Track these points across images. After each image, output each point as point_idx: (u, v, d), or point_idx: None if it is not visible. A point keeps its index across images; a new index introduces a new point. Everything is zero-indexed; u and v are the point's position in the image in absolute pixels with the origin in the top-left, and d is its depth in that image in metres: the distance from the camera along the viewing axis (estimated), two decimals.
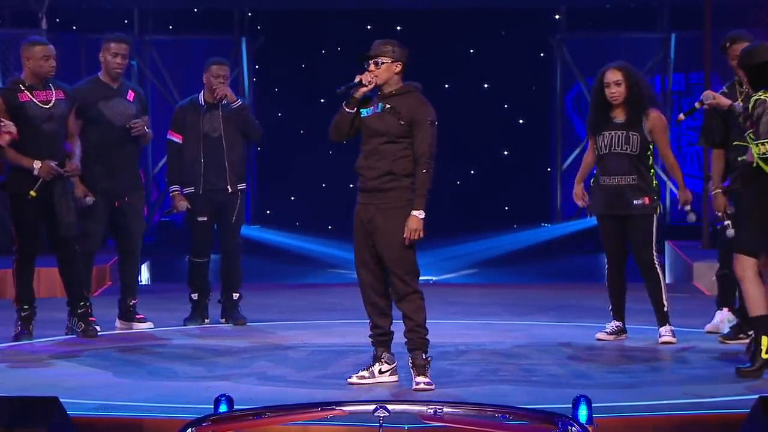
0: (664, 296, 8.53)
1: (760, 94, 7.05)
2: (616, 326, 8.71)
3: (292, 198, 19.51)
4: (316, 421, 5.39)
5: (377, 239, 6.90)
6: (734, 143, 8.08)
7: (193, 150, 9.52)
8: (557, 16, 18.70)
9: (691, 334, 8.81)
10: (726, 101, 7.99)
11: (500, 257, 17.97)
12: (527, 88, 19.14)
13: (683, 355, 8.09)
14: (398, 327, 7.01)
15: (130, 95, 9.43)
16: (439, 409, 4.66)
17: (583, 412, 4.75)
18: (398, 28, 18.99)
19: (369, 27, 18.58)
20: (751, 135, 7.08)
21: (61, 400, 5.25)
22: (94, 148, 9.16)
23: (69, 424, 5.31)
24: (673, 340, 8.45)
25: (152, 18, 18.74)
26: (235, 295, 9.67)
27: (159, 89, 18.44)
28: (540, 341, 8.66)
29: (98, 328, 8.97)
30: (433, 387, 6.80)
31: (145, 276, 14.77)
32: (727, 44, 8.41)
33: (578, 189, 8.85)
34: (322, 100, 17.94)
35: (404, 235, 6.80)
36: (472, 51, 19.24)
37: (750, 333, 7.76)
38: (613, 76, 8.52)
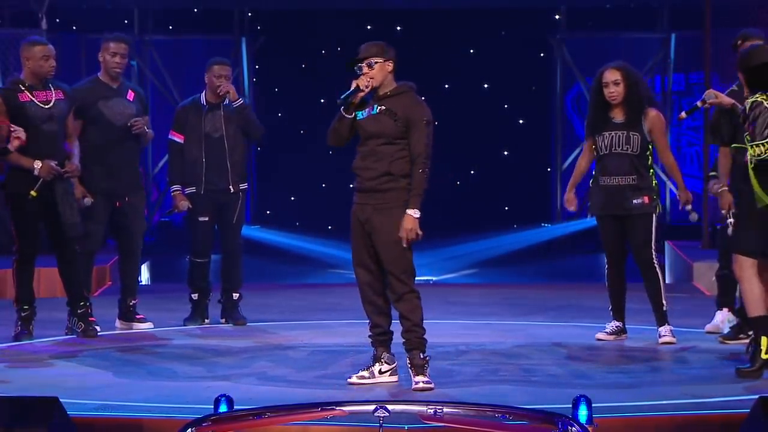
0: (663, 296, 8.52)
1: (758, 96, 7.05)
2: (616, 326, 8.70)
3: (292, 198, 19.52)
4: (316, 421, 5.39)
5: (375, 239, 6.91)
6: (732, 145, 8.06)
7: (195, 150, 9.52)
8: (557, 16, 18.70)
9: (691, 334, 8.81)
10: (728, 100, 7.97)
11: (500, 257, 17.98)
12: (527, 88, 19.15)
13: (683, 355, 8.08)
14: (397, 327, 7.01)
15: (130, 95, 9.44)
16: (439, 409, 4.66)
17: (583, 412, 4.76)
18: (398, 28, 19.01)
19: (369, 27, 18.59)
20: (748, 137, 7.08)
21: (61, 400, 5.25)
22: (95, 148, 9.17)
23: (69, 424, 5.31)
24: (673, 340, 8.45)
25: (152, 18, 18.75)
26: (236, 295, 9.67)
27: (159, 89, 18.45)
28: (540, 341, 8.66)
29: (98, 328, 8.97)
30: (432, 386, 6.80)
31: (145, 276, 14.77)
32: (739, 42, 8.38)
33: (570, 195, 8.86)
34: (322, 100, 17.94)
35: (400, 235, 6.80)
36: (472, 51, 19.25)
37: (750, 333, 7.76)
38: (611, 75, 8.52)
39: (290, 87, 19.09)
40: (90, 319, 8.92)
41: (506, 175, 19.13)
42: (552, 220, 18.95)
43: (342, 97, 6.93)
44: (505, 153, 19.43)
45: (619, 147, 8.51)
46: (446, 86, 19.11)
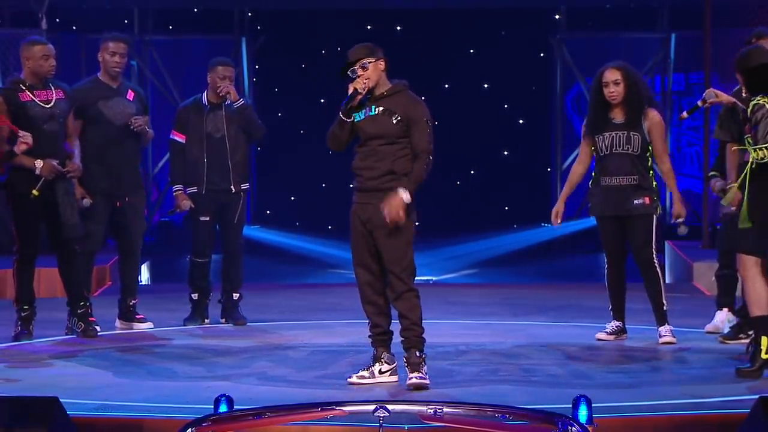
0: (663, 296, 8.52)
1: (759, 98, 7.04)
2: (616, 326, 8.70)
3: (292, 198, 19.52)
4: (316, 421, 5.39)
5: (376, 237, 6.91)
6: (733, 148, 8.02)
7: (197, 150, 9.52)
8: (557, 16, 18.71)
9: (691, 334, 8.81)
10: (728, 98, 7.96)
11: (500, 257, 17.98)
12: (527, 88, 19.15)
13: (683, 355, 8.08)
14: (397, 327, 7.01)
15: (130, 95, 9.44)
16: (439, 409, 4.65)
17: (583, 412, 4.75)
18: (398, 28, 19.01)
19: (369, 27, 18.60)
20: (749, 139, 7.08)
21: (61, 400, 5.24)
22: (95, 148, 9.17)
23: (69, 424, 5.31)
24: (673, 340, 8.44)
25: (152, 18, 18.75)
26: (236, 295, 9.67)
27: (159, 89, 18.45)
28: (540, 341, 8.65)
29: (98, 328, 8.97)
30: (427, 382, 6.80)
31: (145, 276, 14.78)
32: (753, 39, 8.33)
33: (561, 206, 8.80)
34: (322, 100, 17.95)
35: (385, 212, 6.75)
36: (472, 51, 19.25)
37: (750, 333, 7.76)
38: (611, 75, 8.51)
39: (290, 87, 19.09)
40: (90, 319, 8.92)
41: (506, 175, 19.14)
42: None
43: (343, 104, 6.94)
44: (505, 153, 19.43)
45: (619, 147, 8.50)
46: (446, 86, 19.11)
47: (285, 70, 19.10)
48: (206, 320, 9.70)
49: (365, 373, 6.98)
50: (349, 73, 6.94)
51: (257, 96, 18.79)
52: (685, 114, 8.48)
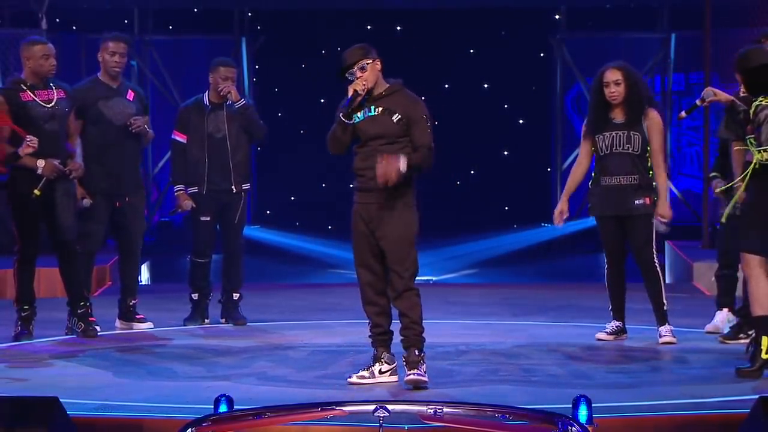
0: (663, 296, 8.52)
1: (761, 99, 7.03)
2: (616, 326, 8.70)
3: (292, 198, 19.52)
4: (316, 421, 5.39)
5: (380, 236, 6.91)
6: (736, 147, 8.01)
7: (198, 150, 9.53)
8: (557, 16, 18.70)
9: (691, 334, 8.81)
10: (726, 97, 7.93)
11: (500, 257, 17.97)
12: (527, 88, 19.15)
13: (683, 355, 8.08)
14: (397, 327, 7.00)
15: (130, 95, 9.44)
16: (439, 409, 4.66)
17: (583, 412, 4.75)
18: (398, 28, 19.01)
19: (369, 27, 18.59)
20: (752, 140, 7.07)
21: (61, 400, 5.24)
22: (95, 148, 9.17)
23: (69, 424, 5.31)
24: (673, 340, 8.44)
25: (152, 18, 18.74)
26: (236, 295, 9.67)
27: (159, 89, 18.44)
28: (540, 341, 8.65)
29: (98, 328, 8.97)
30: (425, 379, 6.80)
31: (145, 276, 14.78)
32: (762, 40, 8.34)
33: (564, 205, 8.76)
34: (322, 100, 17.94)
35: (380, 169, 6.73)
36: (472, 51, 19.25)
37: (750, 333, 7.76)
38: (612, 75, 8.51)
39: (290, 87, 19.09)
40: (90, 319, 8.92)
41: (506, 175, 19.13)
42: (552, 220, 18.91)
43: (344, 107, 6.94)
44: (505, 153, 19.43)
45: (620, 146, 8.50)
46: (446, 86, 19.11)
47: (285, 70, 19.10)
48: (206, 320, 9.70)
49: (365, 373, 6.98)
50: (347, 75, 6.95)
51: (257, 96, 18.78)
52: (683, 113, 8.45)
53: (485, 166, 19.32)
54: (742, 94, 7.71)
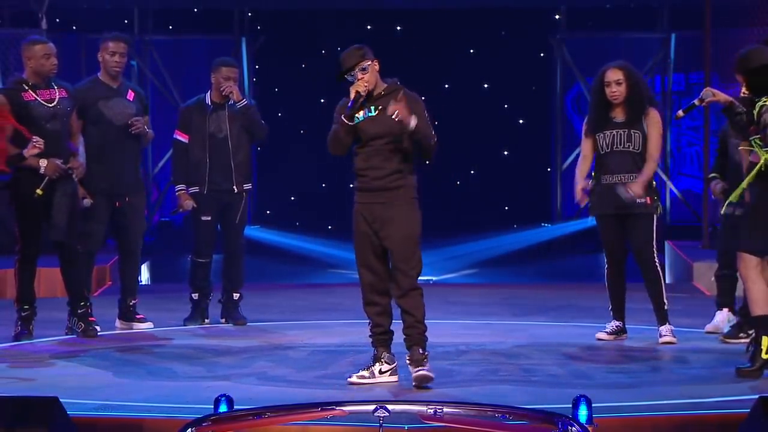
0: (664, 296, 8.53)
1: (765, 100, 7.03)
2: (616, 326, 8.70)
3: (292, 198, 19.52)
4: (316, 421, 5.39)
5: (384, 236, 6.91)
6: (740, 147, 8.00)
7: (199, 150, 9.53)
8: (557, 16, 18.70)
9: (691, 334, 8.82)
10: (726, 97, 7.93)
11: (500, 257, 17.97)
12: (527, 88, 19.14)
13: (683, 355, 8.08)
14: (397, 326, 7.01)
15: (130, 95, 9.44)
16: (439, 409, 4.66)
17: (583, 412, 4.75)
18: (398, 28, 19.00)
19: (369, 27, 18.59)
20: (757, 141, 7.06)
21: (61, 400, 5.24)
22: (95, 148, 9.17)
23: (69, 424, 5.31)
24: (674, 340, 8.45)
25: (152, 18, 18.74)
26: (236, 295, 9.68)
27: (159, 89, 18.44)
28: (540, 341, 8.66)
29: (98, 328, 8.97)
30: (432, 375, 6.81)
31: (145, 276, 14.78)
32: None
33: (584, 183, 8.59)
34: (322, 100, 17.94)
35: (395, 105, 6.76)
36: (472, 51, 19.25)
37: (750, 332, 7.76)
38: (613, 75, 8.51)
39: (290, 87, 19.08)
40: (90, 319, 8.92)
41: (506, 175, 19.13)
42: (552, 220, 18.94)
43: (348, 109, 6.94)
44: (505, 153, 19.43)
45: (620, 145, 8.50)
46: (446, 86, 19.11)
47: (285, 70, 19.10)
48: (206, 320, 9.70)
49: (365, 373, 6.98)
50: (347, 77, 6.96)
51: (257, 96, 18.77)
52: (680, 112, 8.44)
53: (485, 166, 19.32)
54: (742, 95, 7.70)
